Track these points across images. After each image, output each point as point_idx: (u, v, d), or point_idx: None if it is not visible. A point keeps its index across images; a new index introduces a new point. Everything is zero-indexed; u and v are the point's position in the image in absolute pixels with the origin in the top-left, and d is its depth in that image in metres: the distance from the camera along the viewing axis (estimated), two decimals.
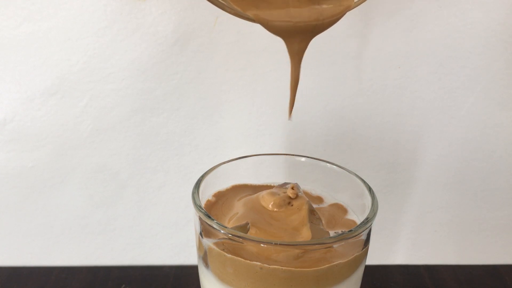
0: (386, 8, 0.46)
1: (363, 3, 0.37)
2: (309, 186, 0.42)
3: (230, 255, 0.32)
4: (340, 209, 0.40)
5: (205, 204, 0.39)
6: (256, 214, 0.36)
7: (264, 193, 0.37)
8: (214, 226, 0.32)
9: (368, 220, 0.34)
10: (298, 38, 0.35)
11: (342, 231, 0.36)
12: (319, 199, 0.41)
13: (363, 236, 0.34)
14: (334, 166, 0.41)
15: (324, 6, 0.35)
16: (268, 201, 0.36)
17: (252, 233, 0.34)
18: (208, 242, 0.34)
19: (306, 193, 0.41)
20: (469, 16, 0.46)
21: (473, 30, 0.47)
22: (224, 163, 0.40)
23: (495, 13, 0.46)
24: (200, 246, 0.36)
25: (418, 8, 0.46)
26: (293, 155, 0.43)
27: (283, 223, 0.35)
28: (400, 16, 0.46)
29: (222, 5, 0.35)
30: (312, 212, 0.36)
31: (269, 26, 0.34)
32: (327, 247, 0.32)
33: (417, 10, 0.46)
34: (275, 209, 0.35)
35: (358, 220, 0.38)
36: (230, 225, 0.35)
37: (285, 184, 0.39)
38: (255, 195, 0.38)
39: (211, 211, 0.38)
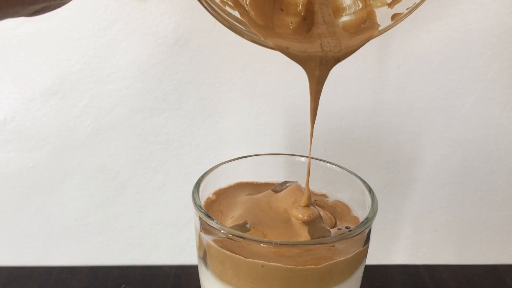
0: None
1: (387, 31, 0.35)
2: (310, 185, 0.42)
3: (230, 253, 0.32)
4: (344, 206, 0.40)
5: (205, 202, 0.39)
6: (256, 213, 0.36)
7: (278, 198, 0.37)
8: (214, 226, 0.32)
9: (368, 220, 0.34)
10: (317, 66, 0.33)
11: (346, 227, 0.37)
12: (324, 196, 0.41)
13: (363, 236, 0.34)
14: (334, 166, 0.41)
15: (346, 35, 0.33)
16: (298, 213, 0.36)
17: (252, 232, 0.34)
18: (208, 241, 0.34)
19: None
20: (469, 16, 0.46)
21: (473, 30, 0.47)
22: (224, 163, 0.40)
23: (495, 13, 0.46)
24: (200, 245, 0.36)
25: (418, 8, 0.46)
26: (293, 155, 0.43)
27: (283, 222, 0.35)
28: None
29: (241, 31, 0.34)
30: None
31: (289, 55, 0.33)
32: (327, 247, 0.32)
33: (417, 10, 0.46)
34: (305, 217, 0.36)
35: (360, 218, 0.38)
36: (230, 224, 0.35)
37: (285, 182, 0.39)
38: (258, 195, 0.39)
39: (211, 208, 0.38)
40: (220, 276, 0.34)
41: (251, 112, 0.50)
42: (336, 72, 0.48)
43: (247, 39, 0.34)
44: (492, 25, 0.47)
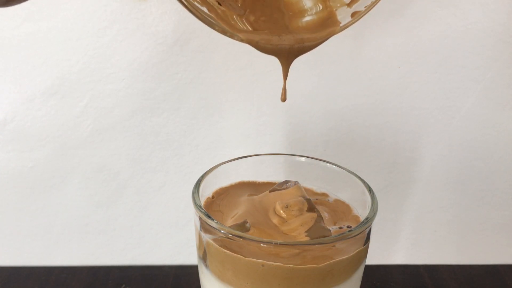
0: (386, 8, 0.46)
1: (349, 26, 0.38)
2: (311, 185, 0.42)
3: (230, 253, 0.32)
4: (344, 205, 0.40)
5: (205, 202, 0.39)
6: (255, 213, 0.36)
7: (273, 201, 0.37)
8: (214, 226, 0.33)
9: (368, 220, 0.34)
10: (285, 56, 0.37)
11: (348, 226, 0.37)
12: (325, 196, 0.41)
13: (364, 236, 0.34)
14: (334, 166, 0.41)
15: (308, 31, 0.37)
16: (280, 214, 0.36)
17: (252, 232, 0.34)
18: (208, 241, 0.34)
19: (310, 191, 0.41)
20: (469, 16, 0.46)
21: (473, 30, 0.47)
22: (224, 163, 0.40)
23: (495, 13, 0.46)
24: (200, 245, 0.36)
25: (418, 8, 0.46)
26: (293, 155, 0.43)
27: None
28: (400, 16, 0.46)
29: (212, 23, 0.35)
30: (312, 210, 0.36)
31: (258, 47, 0.35)
32: (328, 247, 0.32)
33: (417, 10, 0.46)
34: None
35: (361, 217, 0.38)
36: (230, 224, 0.35)
37: (286, 182, 0.39)
38: (257, 195, 0.39)
39: (211, 208, 0.38)
40: (220, 276, 0.34)
41: (251, 112, 0.50)
42: (336, 71, 0.49)
43: (218, 30, 0.35)
44: (492, 25, 0.47)
